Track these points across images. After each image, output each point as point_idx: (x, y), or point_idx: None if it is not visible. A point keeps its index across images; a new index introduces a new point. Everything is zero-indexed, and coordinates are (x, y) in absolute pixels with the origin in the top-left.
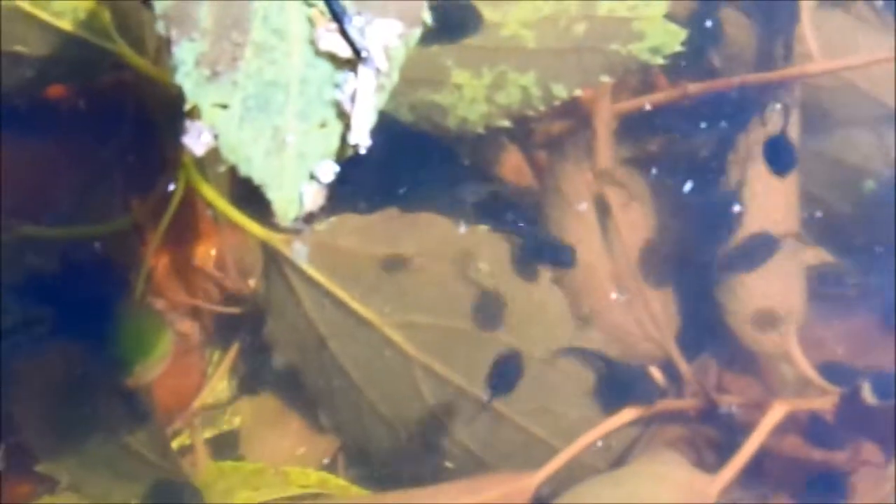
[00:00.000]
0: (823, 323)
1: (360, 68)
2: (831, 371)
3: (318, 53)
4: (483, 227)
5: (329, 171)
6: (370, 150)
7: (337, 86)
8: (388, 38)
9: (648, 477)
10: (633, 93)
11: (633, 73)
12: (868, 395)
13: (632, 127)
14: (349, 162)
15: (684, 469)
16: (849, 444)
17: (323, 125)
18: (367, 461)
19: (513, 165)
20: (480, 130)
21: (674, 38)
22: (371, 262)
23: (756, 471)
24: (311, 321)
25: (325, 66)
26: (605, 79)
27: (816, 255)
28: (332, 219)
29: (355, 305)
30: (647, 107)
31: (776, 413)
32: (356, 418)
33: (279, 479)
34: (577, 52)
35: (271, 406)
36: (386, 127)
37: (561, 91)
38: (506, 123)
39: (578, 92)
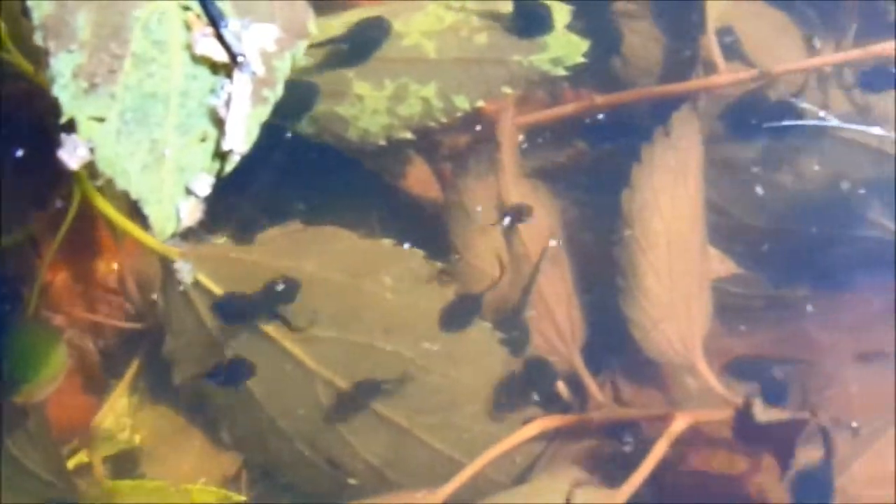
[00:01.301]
0: (730, 334)
1: (236, 73)
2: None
3: (196, 59)
4: (387, 241)
5: (206, 184)
6: (274, 162)
7: (213, 91)
8: (266, 42)
9: (551, 493)
10: (540, 105)
11: (537, 84)
12: (759, 412)
13: (539, 139)
14: (251, 176)
15: (586, 484)
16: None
17: (203, 139)
18: (269, 478)
19: (419, 178)
20: (382, 142)
21: (576, 49)
22: (272, 276)
23: (660, 484)
24: (211, 336)
25: (206, 78)
26: (508, 90)
27: (724, 267)
28: (233, 232)
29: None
30: (554, 119)
31: (678, 425)
32: (258, 434)
33: (180, 497)
34: (479, 63)
35: (173, 423)
36: (288, 140)
37: (463, 102)
38: (408, 135)
39: (481, 103)
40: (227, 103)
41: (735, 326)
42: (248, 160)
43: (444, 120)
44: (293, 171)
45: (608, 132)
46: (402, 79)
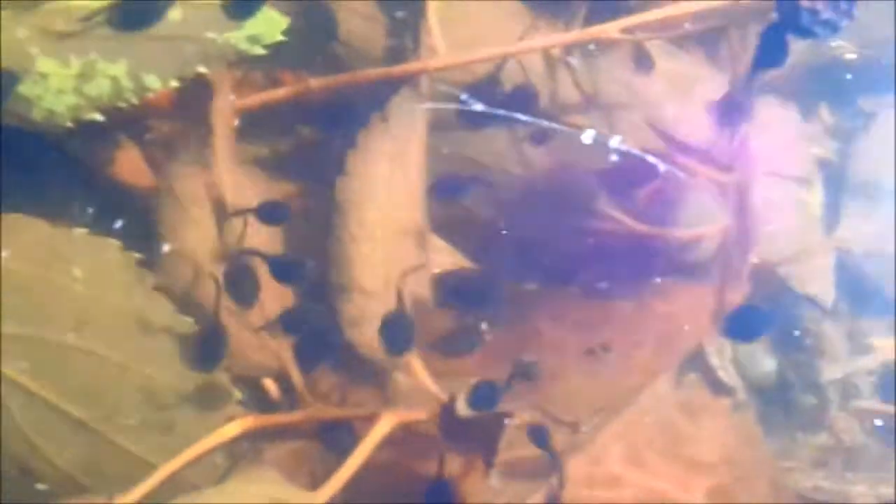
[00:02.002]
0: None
1: None
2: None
3: None
4: (80, 231)
5: None
6: None
7: None
8: None
9: (242, 495)
10: (259, 89)
11: (238, 65)
12: (462, 407)
13: (258, 125)
14: None
15: (281, 486)
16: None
17: None
18: None
19: (129, 165)
20: (69, 124)
21: (274, 27)
22: None
23: (368, 486)
24: None
25: None
26: (203, 69)
27: (452, 259)
28: None
29: None
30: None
31: (383, 426)
32: None
33: None
34: (171, 40)
35: None
36: None
37: (154, 82)
38: (97, 116)
39: (174, 83)
40: None
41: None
42: None
43: (134, 100)
44: None
45: (331, 118)
46: (90, 56)
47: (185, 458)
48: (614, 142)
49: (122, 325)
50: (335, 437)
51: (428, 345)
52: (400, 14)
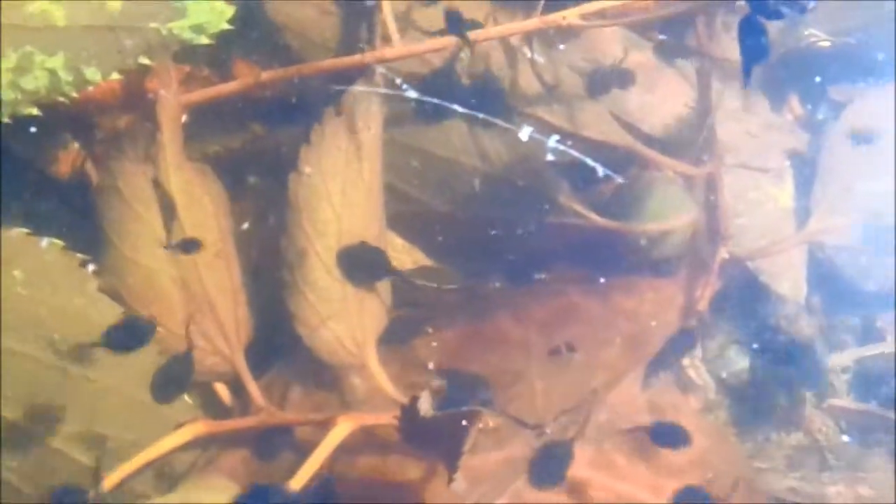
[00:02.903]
0: (415, 332)
1: None
2: None
3: None
4: (17, 231)
5: None
6: None
7: None
8: None
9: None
10: (209, 83)
11: (183, 57)
12: (424, 407)
13: (209, 121)
14: None
15: (230, 494)
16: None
17: None
18: None
19: (72, 162)
20: (5, 119)
21: (219, 17)
22: None
23: (326, 493)
24: None
25: None
26: (145, 61)
27: (411, 258)
28: None
29: None
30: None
31: (340, 430)
32: None
33: None
34: (112, 31)
35: None
36: None
37: (94, 75)
38: (33, 111)
39: (115, 76)
40: None
41: (422, 322)
42: None
43: (73, 94)
44: None
45: (284, 113)
46: (26, 48)
47: (131, 466)
48: (552, 141)
49: (66, 328)
50: (286, 444)
51: None
52: (355, 4)
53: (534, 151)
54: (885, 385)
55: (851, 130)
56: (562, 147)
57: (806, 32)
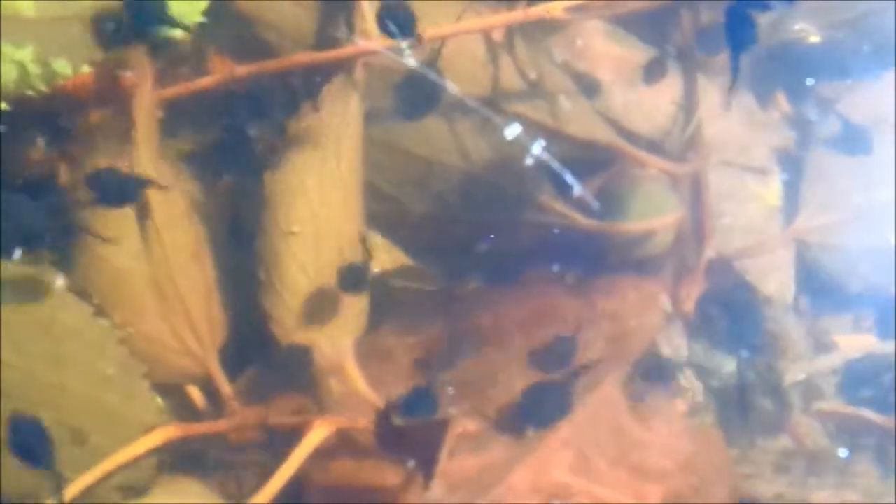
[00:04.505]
0: (394, 333)
1: None
2: None
3: None
4: None
5: None
6: None
7: None
8: None
9: None
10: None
11: (152, 48)
12: (396, 417)
13: (186, 117)
14: None
15: (207, 499)
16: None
17: None
18: None
19: (41, 161)
20: None
21: (193, 9)
22: None
23: (300, 498)
24: None
25: None
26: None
27: (391, 257)
28: None
29: None
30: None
31: (316, 434)
32: None
33: None
34: (82, 21)
35: None
36: None
37: (64, 68)
38: (2, 106)
39: (86, 69)
40: None
41: (401, 323)
42: None
43: (43, 88)
44: None
45: (260, 109)
46: None
47: (101, 470)
48: (534, 139)
49: (29, 330)
50: (260, 447)
51: None
52: None
53: (515, 150)
54: (874, 387)
55: (838, 135)
56: (544, 144)
57: (796, 27)
